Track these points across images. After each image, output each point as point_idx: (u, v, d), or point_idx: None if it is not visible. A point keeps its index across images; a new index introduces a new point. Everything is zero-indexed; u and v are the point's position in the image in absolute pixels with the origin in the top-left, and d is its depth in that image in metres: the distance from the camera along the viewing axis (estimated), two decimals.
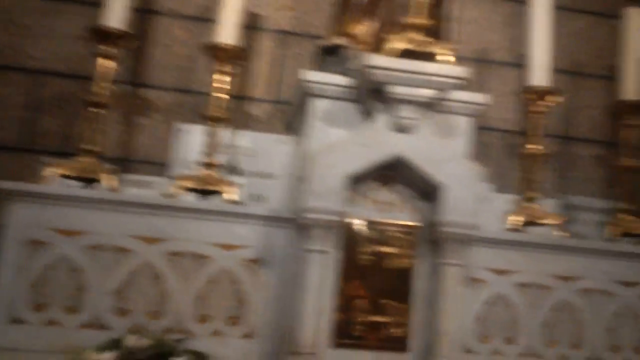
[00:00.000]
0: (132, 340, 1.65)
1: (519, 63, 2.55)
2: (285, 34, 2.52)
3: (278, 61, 2.51)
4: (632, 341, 2.10)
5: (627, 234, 2.23)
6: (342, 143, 1.84)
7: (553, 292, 2.08)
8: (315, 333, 1.81)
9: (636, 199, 2.58)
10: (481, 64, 2.64)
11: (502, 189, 2.57)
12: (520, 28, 2.55)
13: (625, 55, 2.30)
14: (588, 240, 2.45)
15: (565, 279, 2.09)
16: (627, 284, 2.13)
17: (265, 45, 2.51)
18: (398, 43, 1.79)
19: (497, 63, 2.66)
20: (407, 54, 1.80)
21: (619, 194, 2.28)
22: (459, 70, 1.81)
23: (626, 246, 2.19)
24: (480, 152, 2.59)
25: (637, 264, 2.14)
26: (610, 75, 2.64)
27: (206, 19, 2.45)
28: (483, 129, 2.61)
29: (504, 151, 2.61)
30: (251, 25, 2.49)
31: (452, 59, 1.92)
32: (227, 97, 2.09)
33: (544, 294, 2.07)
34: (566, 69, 2.68)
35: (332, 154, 1.82)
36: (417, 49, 1.80)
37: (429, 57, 1.81)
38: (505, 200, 2.48)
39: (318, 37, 2.46)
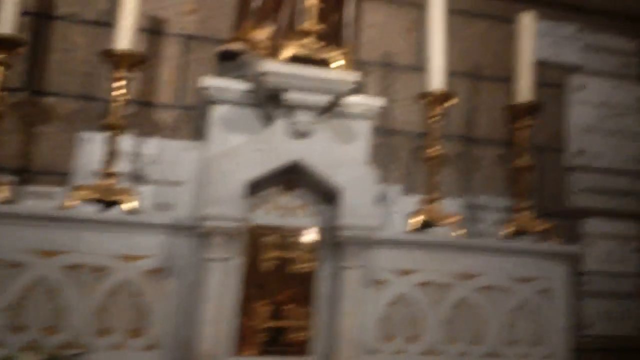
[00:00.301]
0: (26, 357, 1.60)
1: (422, 67, 2.63)
2: (189, 38, 2.48)
3: (183, 66, 2.47)
4: (528, 335, 2.19)
5: (522, 232, 2.32)
6: (240, 149, 1.84)
7: (453, 290, 2.14)
8: (217, 342, 1.80)
9: (532, 198, 2.74)
10: (386, 68, 2.70)
11: (409, 190, 2.66)
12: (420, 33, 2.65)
13: (518, 58, 2.39)
14: (485, 239, 2.56)
15: (465, 277, 2.16)
16: (524, 280, 2.21)
17: (170, 49, 2.47)
18: (291, 49, 1.81)
19: (401, 67, 2.72)
20: (301, 60, 1.82)
21: (517, 192, 2.37)
22: (352, 76, 1.85)
23: (521, 244, 2.29)
24: (388, 155, 2.67)
25: (532, 261, 2.23)
26: (508, 78, 2.77)
27: (108, 23, 2.40)
28: (390, 132, 2.68)
29: (411, 154, 2.68)
30: (154, 29, 2.45)
31: (347, 64, 1.96)
32: (127, 104, 2.04)
33: (444, 292, 2.13)
34: (466, 72, 2.79)
35: (230, 160, 1.81)
36: (311, 55, 1.82)
37: (323, 62, 1.84)
38: (410, 201, 2.55)
39: (223, 41, 2.45)
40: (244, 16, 2.11)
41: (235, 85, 1.92)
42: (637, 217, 2.88)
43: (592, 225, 2.81)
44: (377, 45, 2.71)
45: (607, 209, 2.84)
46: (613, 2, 2.94)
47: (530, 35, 2.40)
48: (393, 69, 2.71)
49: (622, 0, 2.95)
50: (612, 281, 2.80)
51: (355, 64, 2.56)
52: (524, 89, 2.37)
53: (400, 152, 2.68)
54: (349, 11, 2.20)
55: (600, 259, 2.79)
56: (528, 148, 2.37)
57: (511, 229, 2.32)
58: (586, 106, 2.87)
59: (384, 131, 2.66)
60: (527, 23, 2.40)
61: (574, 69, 2.90)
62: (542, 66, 2.84)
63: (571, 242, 2.73)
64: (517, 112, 2.38)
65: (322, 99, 1.83)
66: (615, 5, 2.95)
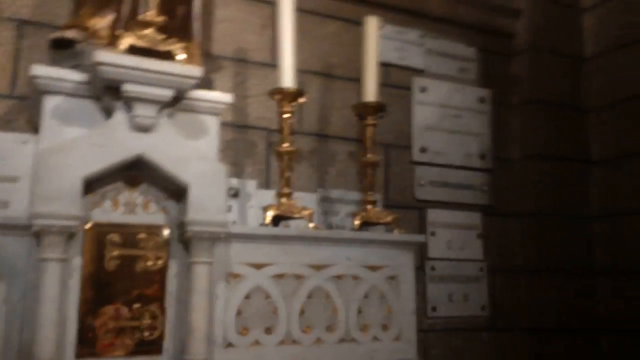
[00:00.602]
0: None
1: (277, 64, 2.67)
2: (23, 23, 2.29)
3: (16, 53, 2.28)
4: (378, 319, 2.29)
5: (371, 223, 2.43)
6: (76, 143, 1.73)
7: (307, 281, 2.19)
8: (59, 346, 1.69)
9: (381, 191, 2.89)
10: (239, 64, 2.69)
11: (266, 185, 2.68)
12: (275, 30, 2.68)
13: (365, 60, 2.51)
14: (337, 230, 2.67)
15: (318, 267, 2.22)
16: (373, 268, 2.31)
17: (3, 33, 2.27)
18: (130, 39, 1.74)
19: (255, 63, 2.73)
20: (141, 51, 1.75)
21: (366, 186, 2.48)
22: (196, 70, 1.81)
23: (369, 234, 2.40)
24: (244, 150, 2.67)
25: (380, 250, 2.33)
26: (358, 78, 2.89)
27: None
28: (245, 127, 2.68)
29: (266, 149, 2.70)
30: None
31: (193, 58, 1.94)
32: None
33: (299, 283, 2.17)
34: (319, 71, 2.87)
35: (65, 155, 1.70)
36: (151, 46, 1.76)
37: (165, 55, 1.79)
38: (266, 196, 2.58)
39: (60, 26, 2.29)
40: (83, 2, 1.99)
41: (70, 75, 1.81)
42: (476, 208, 3.14)
43: (435, 216, 3.02)
44: (230, 41, 2.69)
45: (449, 201, 3.06)
46: (453, 11, 3.18)
47: (375, 39, 2.52)
48: (247, 65, 2.71)
49: (461, 9, 3.20)
50: (455, 266, 3.02)
51: (206, 58, 2.55)
52: (370, 90, 2.48)
53: (255, 148, 2.69)
54: (197, 4, 2.16)
55: (444, 246, 3.01)
56: (375, 145, 2.49)
57: (361, 220, 2.42)
58: (428, 107, 3.08)
59: (239, 126, 2.66)
60: (372, 27, 2.51)
61: (417, 72, 3.09)
62: (389, 68, 3.02)
63: (417, 231, 2.93)
64: (364, 111, 2.48)
65: (164, 93, 1.78)
66: (455, 14, 3.19)
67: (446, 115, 3.11)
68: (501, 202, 3.21)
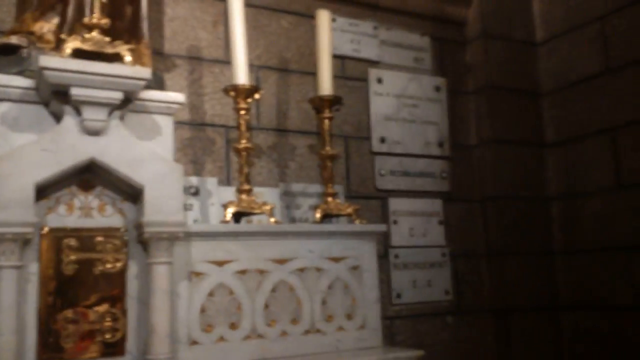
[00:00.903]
0: None
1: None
2: None
3: None
4: (343, 309, 2.32)
5: (332, 215, 2.46)
6: (25, 149, 1.71)
7: (270, 275, 2.21)
8: (19, 353, 1.69)
9: (342, 183, 2.93)
10: (193, 62, 2.69)
11: (226, 182, 2.69)
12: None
13: (319, 53, 2.52)
14: (299, 224, 2.70)
15: (281, 261, 2.24)
16: (335, 260, 2.34)
17: None
18: (75, 43, 1.72)
19: (208, 61, 2.73)
20: (87, 54, 1.74)
21: (326, 179, 2.51)
22: (144, 72, 1.80)
23: (331, 226, 2.43)
24: (202, 148, 2.67)
25: (342, 241, 2.36)
26: (314, 72, 2.92)
27: None
28: (202, 125, 2.68)
29: (227, 146, 2.71)
30: None
31: (143, 58, 1.93)
32: None
33: (262, 278, 2.19)
34: (274, 66, 2.88)
35: (15, 162, 1.69)
36: (97, 49, 1.75)
37: (112, 57, 1.78)
38: (227, 193, 2.59)
39: (4, 32, 2.26)
40: (26, 6, 1.96)
41: (16, 82, 1.79)
42: (437, 195, 3.20)
43: (397, 204, 3.06)
44: (182, 39, 2.68)
45: (409, 189, 3.12)
46: (405, 1, 3.22)
47: (328, 32, 2.53)
48: (201, 62, 2.71)
49: None
50: (418, 253, 3.08)
51: (159, 57, 2.54)
52: (326, 83, 2.50)
53: (214, 145, 2.70)
54: (144, 4, 2.15)
55: (406, 234, 3.06)
56: (332, 138, 2.52)
57: (322, 213, 2.44)
58: (385, 97, 3.12)
59: (197, 124, 2.66)
60: (324, 20, 2.53)
61: (373, 64, 3.13)
62: (345, 60, 3.05)
63: (379, 221, 2.98)
64: (321, 105, 2.50)
65: (113, 96, 1.77)
66: (407, 4, 3.23)
67: (403, 105, 3.16)
68: (461, 188, 3.27)
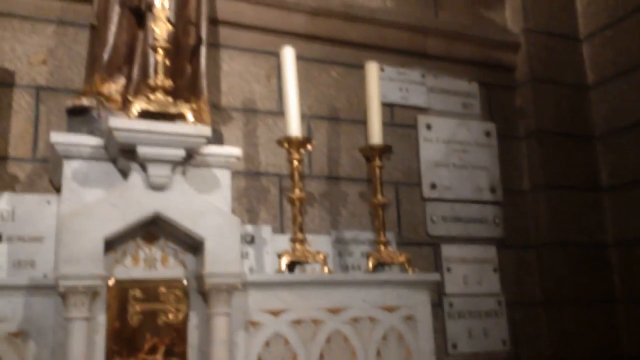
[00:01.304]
0: None
1: (284, 111, 2.76)
2: (40, 89, 2.40)
3: (34, 118, 2.38)
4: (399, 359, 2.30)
5: (384, 264, 2.46)
6: (95, 205, 1.80)
7: (325, 325, 2.21)
8: None
9: (393, 230, 2.93)
10: (248, 114, 2.78)
11: (280, 230, 2.73)
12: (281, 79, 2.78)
13: (369, 103, 2.58)
14: (351, 273, 2.70)
15: (335, 311, 2.24)
16: (389, 309, 2.33)
17: (20, 101, 2.37)
18: (141, 104, 1.82)
19: (262, 112, 2.81)
20: (152, 114, 1.84)
21: (378, 227, 2.52)
22: (204, 129, 1.88)
23: (384, 275, 2.42)
24: (257, 197, 2.73)
25: (396, 290, 2.36)
26: (363, 120, 2.96)
27: None
28: (257, 174, 2.75)
29: (279, 194, 2.76)
30: (2, 81, 2.35)
31: (202, 115, 2.02)
32: None
33: (317, 328, 2.20)
34: (325, 116, 2.94)
35: (85, 218, 1.77)
36: (161, 109, 1.84)
37: (175, 117, 1.87)
38: (281, 241, 2.63)
39: (75, 91, 2.40)
40: (95, 69, 2.09)
41: (86, 141, 1.90)
42: (490, 241, 3.15)
43: (450, 251, 3.03)
44: (238, 92, 2.78)
45: (462, 235, 3.09)
46: (452, 48, 3.26)
47: (376, 83, 2.59)
48: (255, 114, 2.80)
49: (459, 46, 3.27)
50: (473, 301, 3.02)
51: (216, 111, 2.64)
52: (375, 133, 2.54)
53: (268, 194, 2.75)
54: (203, 62, 2.26)
55: (460, 282, 3.02)
56: (383, 186, 2.53)
57: (374, 261, 2.44)
58: (435, 143, 3.13)
59: (252, 174, 2.73)
60: (373, 72, 2.59)
61: (421, 110, 3.16)
62: (394, 108, 3.09)
63: (432, 268, 2.95)
64: (371, 154, 2.54)
65: (176, 153, 1.85)
66: (454, 51, 3.27)
67: (453, 151, 3.16)
68: (515, 234, 3.21)
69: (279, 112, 2.78)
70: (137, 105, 1.80)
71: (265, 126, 2.81)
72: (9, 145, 2.32)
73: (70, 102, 2.02)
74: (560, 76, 3.38)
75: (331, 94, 2.99)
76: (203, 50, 2.28)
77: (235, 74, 2.80)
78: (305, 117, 2.76)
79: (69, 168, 1.89)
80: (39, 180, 2.33)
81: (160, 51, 1.91)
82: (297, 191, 2.36)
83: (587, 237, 3.21)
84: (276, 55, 2.79)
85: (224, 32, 2.77)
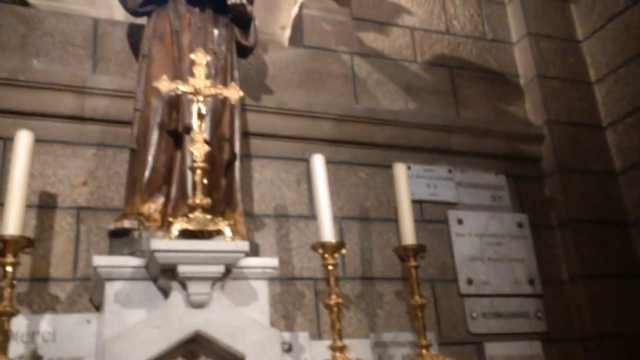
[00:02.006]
0: None
1: (315, 215, 2.79)
2: (80, 209, 2.49)
3: (75, 238, 2.45)
4: None
5: None
6: (137, 328, 1.82)
7: None
8: None
9: (433, 329, 2.86)
10: (280, 220, 2.82)
11: (317, 335, 2.69)
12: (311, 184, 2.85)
13: (399, 203, 2.60)
14: None
15: None
16: None
17: (62, 222, 2.46)
18: (181, 224, 1.88)
19: (294, 217, 2.86)
20: (191, 233, 1.89)
21: (417, 328, 2.46)
22: (242, 245, 1.92)
23: None
24: (293, 302, 2.72)
25: None
26: (394, 218, 2.98)
27: None
28: (291, 279, 2.75)
29: (314, 298, 2.74)
30: (44, 204, 2.45)
31: (239, 230, 2.07)
32: (17, 285, 1.98)
33: None
34: (356, 216, 2.97)
35: (128, 341, 1.79)
36: (200, 228, 1.89)
37: (213, 234, 1.91)
38: (319, 346, 2.58)
39: (115, 209, 2.48)
40: (135, 191, 2.18)
41: (128, 262, 1.95)
42: (534, 336, 3.05)
43: (494, 349, 2.93)
44: (269, 199, 2.84)
45: (504, 332, 2.99)
46: (477, 143, 3.31)
47: (405, 184, 2.62)
48: (287, 219, 2.84)
49: (484, 141, 3.33)
50: None
51: (249, 218, 2.69)
52: (408, 233, 2.54)
53: (304, 298, 2.74)
54: (237, 175, 2.34)
55: None
56: (420, 285, 2.50)
57: None
58: (467, 238, 3.11)
59: (286, 279, 2.73)
60: (401, 172, 2.63)
61: (451, 205, 3.17)
62: (424, 205, 3.12)
63: None
64: (405, 254, 2.53)
65: (216, 270, 1.89)
66: (479, 145, 3.32)
67: (487, 244, 3.14)
68: (559, 327, 3.10)
69: (311, 216, 2.82)
70: (177, 225, 1.86)
71: (298, 230, 2.84)
72: (50, 266, 2.38)
73: (112, 225, 2.09)
74: (587, 164, 3.39)
75: (360, 194, 3.03)
76: (237, 165, 2.37)
77: (267, 182, 2.87)
78: (336, 219, 2.78)
79: (111, 290, 1.92)
80: (79, 299, 2.36)
81: (199, 171, 1.99)
82: (334, 297, 2.34)
83: (634, 327, 3.09)
84: (305, 161, 2.88)
85: (255, 143, 2.87)
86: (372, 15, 3.40)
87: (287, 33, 3.46)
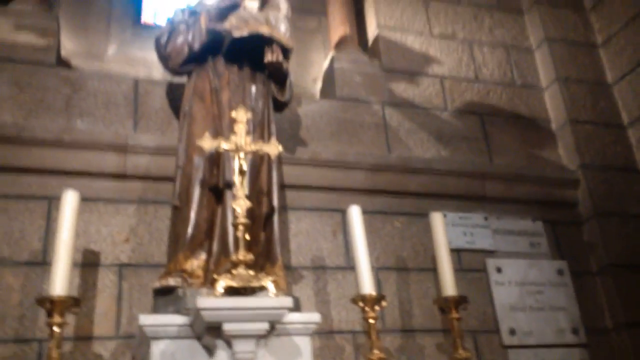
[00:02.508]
0: None
1: (352, 266, 2.78)
2: (123, 266, 2.53)
3: (118, 295, 2.48)
4: None
5: None
6: None
7: None
8: None
9: None
10: (317, 271, 2.81)
11: None
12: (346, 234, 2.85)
13: (437, 254, 2.58)
14: None
15: None
16: None
17: (105, 280, 2.49)
18: (225, 281, 1.88)
19: (331, 268, 2.85)
20: (235, 290, 1.89)
21: None
22: (286, 301, 1.92)
23: None
24: (335, 357, 2.68)
25: None
26: (431, 267, 2.95)
27: (41, 262, 2.43)
28: (330, 332, 2.72)
29: (356, 352, 2.70)
30: (88, 262, 2.49)
31: (280, 285, 2.07)
32: (62, 344, 2.00)
33: None
34: (392, 266, 2.95)
35: None
36: (244, 284, 1.90)
37: (257, 290, 1.92)
38: None
39: (156, 265, 2.52)
40: (179, 247, 2.20)
41: (173, 320, 1.96)
42: None
43: None
44: (306, 251, 2.84)
45: None
46: (512, 189, 3.29)
47: (443, 234, 2.60)
48: (324, 271, 2.83)
49: (519, 187, 3.31)
50: None
51: (286, 271, 2.69)
52: (449, 284, 2.51)
53: (343, 353, 2.70)
54: (276, 229, 2.36)
55: None
56: (462, 338, 2.45)
57: None
58: (507, 287, 3.06)
59: (326, 333, 2.70)
60: (438, 222, 2.62)
61: (489, 253, 3.13)
62: (460, 253, 3.08)
63: None
64: (446, 305, 2.50)
65: (260, 327, 1.88)
66: (515, 192, 3.29)
67: (527, 293, 3.08)
68: None
69: (348, 267, 2.82)
70: (222, 282, 1.87)
71: (335, 282, 2.83)
72: (93, 324, 2.40)
73: (157, 282, 2.11)
74: (624, 208, 3.34)
75: (396, 243, 3.02)
76: (276, 218, 2.38)
77: (303, 233, 2.88)
78: (373, 270, 2.75)
79: (157, 349, 1.93)
80: (121, 358, 2.37)
81: (241, 227, 2.01)
82: (376, 352, 2.30)
83: None
84: (340, 211, 2.90)
85: (290, 195, 2.90)
86: (401, 66, 3.46)
87: (318, 85, 3.54)
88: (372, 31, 3.58)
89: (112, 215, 2.60)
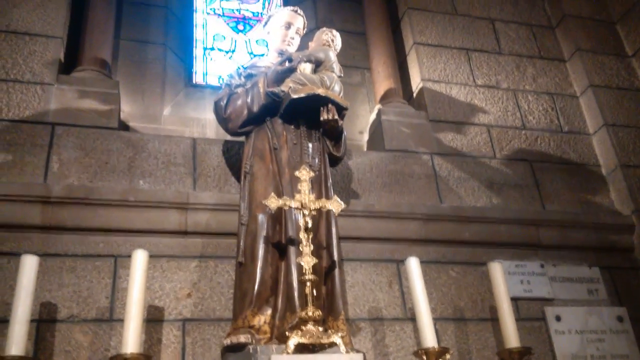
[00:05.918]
0: None
1: (410, 317, 2.77)
2: (186, 321, 2.58)
3: (182, 350, 2.52)
4: None
5: None
6: None
7: None
8: None
9: None
10: (375, 323, 2.81)
11: None
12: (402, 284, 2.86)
13: (498, 304, 2.56)
14: None
15: None
16: None
17: (169, 335, 2.54)
18: (296, 338, 1.91)
19: (389, 320, 2.84)
20: (304, 347, 1.92)
21: None
22: (356, 357, 1.93)
23: None
24: None
25: None
26: (489, 317, 2.92)
27: (108, 319, 2.50)
28: None
29: None
30: (152, 318, 2.55)
31: (347, 340, 2.09)
32: None
33: None
34: (450, 317, 2.93)
35: None
36: (314, 341, 1.93)
37: (325, 347, 1.94)
38: None
39: (217, 319, 2.57)
40: (245, 304, 2.24)
41: None
42: None
43: None
44: (363, 302, 2.85)
45: None
46: (567, 236, 3.26)
47: (503, 284, 2.59)
48: (382, 322, 2.83)
49: (574, 233, 3.28)
50: None
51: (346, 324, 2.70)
52: (511, 335, 2.48)
53: None
54: (337, 283, 2.38)
55: None
56: None
57: None
58: (567, 335, 3.01)
59: None
60: (497, 273, 2.61)
61: (547, 301, 3.09)
62: (518, 302, 3.05)
63: None
64: (510, 357, 2.46)
65: None
66: (570, 238, 3.27)
67: (588, 341, 3.01)
68: None
69: (405, 318, 2.82)
70: (294, 339, 1.90)
71: (394, 334, 2.82)
72: None
73: (227, 339, 2.15)
74: None
75: (453, 294, 3.01)
76: (337, 272, 2.42)
77: (359, 285, 2.90)
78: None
79: None
80: None
81: (309, 284, 2.05)
82: None
83: None
84: (395, 262, 2.92)
85: (345, 247, 2.92)
86: (447, 116, 3.52)
87: (365, 137, 3.62)
88: (416, 84, 3.66)
89: (174, 272, 2.67)
